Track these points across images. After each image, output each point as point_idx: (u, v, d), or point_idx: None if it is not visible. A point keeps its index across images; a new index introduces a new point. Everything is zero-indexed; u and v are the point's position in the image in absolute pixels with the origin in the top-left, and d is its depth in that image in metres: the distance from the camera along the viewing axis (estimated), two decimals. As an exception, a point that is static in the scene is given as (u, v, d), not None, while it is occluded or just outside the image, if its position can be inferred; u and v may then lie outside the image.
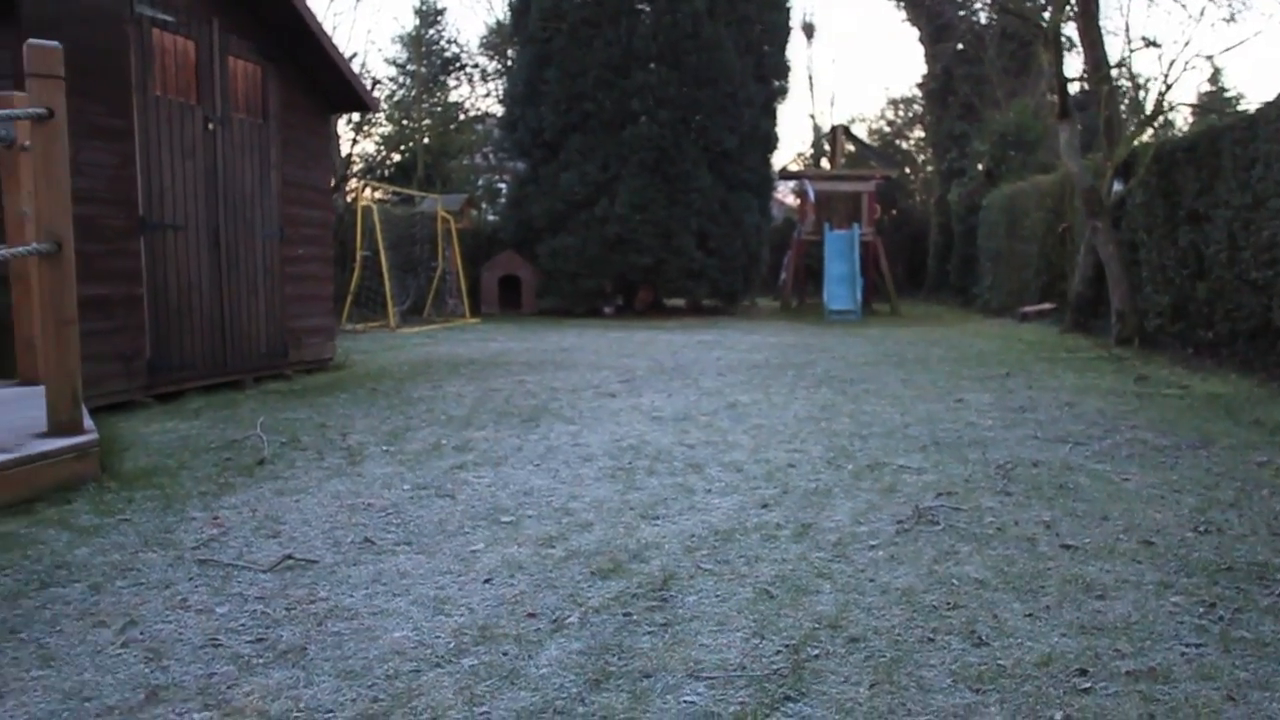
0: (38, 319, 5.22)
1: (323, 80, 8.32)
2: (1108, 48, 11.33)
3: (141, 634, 2.52)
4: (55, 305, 3.94)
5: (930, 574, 3.00)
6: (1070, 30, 13.91)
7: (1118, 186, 10.70)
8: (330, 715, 2.08)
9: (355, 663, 2.34)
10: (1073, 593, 2.83)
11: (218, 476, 4.28)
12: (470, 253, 17.58)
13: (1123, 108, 12.51)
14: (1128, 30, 31.74)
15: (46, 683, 2.24)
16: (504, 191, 22.37)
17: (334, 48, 8.15)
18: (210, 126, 7.02)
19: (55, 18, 5.53)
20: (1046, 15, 13.76)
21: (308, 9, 7.76)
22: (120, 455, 4.58)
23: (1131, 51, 23.55)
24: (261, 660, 2.36)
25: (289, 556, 3.12)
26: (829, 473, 4.39)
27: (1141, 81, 19.50)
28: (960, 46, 22.43)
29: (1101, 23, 11.00)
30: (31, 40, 3.78)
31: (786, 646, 2.43)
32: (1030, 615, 2.65)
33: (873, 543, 3.33)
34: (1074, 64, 18.79)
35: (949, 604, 2.74)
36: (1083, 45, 11.42)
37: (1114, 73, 11.73)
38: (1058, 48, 11.49)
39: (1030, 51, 20.58)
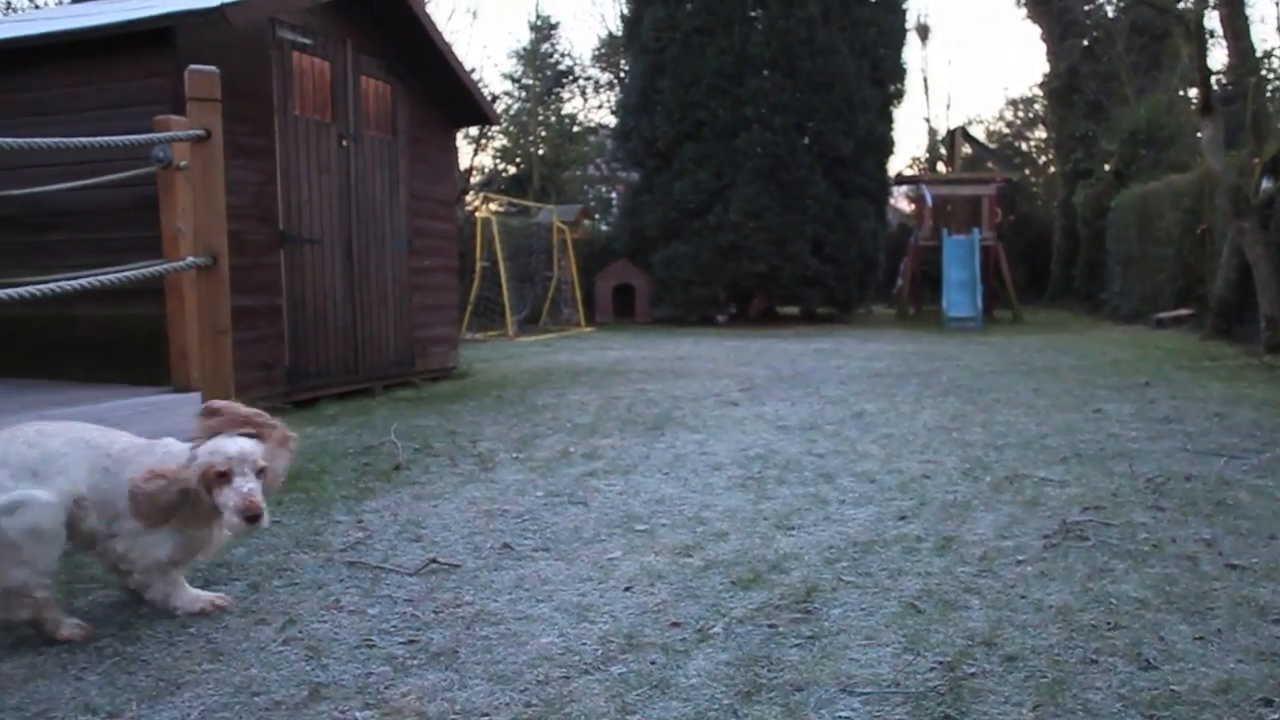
0: (190, 329, 5.50)
1: (447, 96, 8.54)
2: (1254, 38, 10.73)
3: (300, 632, 2.61)
4: (211, 316, 4.14)
5: (1085, 592, 2.87)
6: (1212, 21, 13.21)
7: (1267, 184, 10.11)
8: (486, 718, 2.11)
9: (506, 667, 2.37)
10: (1245, 616, 2.66)
11: (358, 481, 4.42)
12: (585, 262, 17.81)
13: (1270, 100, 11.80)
14: (1279, 18, 29.69)
15: (217, 676, 2.34)
16: (615, 201, 22.60)
17: (459, 64, 8.36)
18: (344, 143, 7.29)
19: (206, 45, 5.83)
20: (1182, 6, 13.14)
21: (435, 28, 8.00)
22: (266, 459, 4.77)
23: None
24: (415, 662, 2.41)
25: (433, 560, 3.19)
26: (966, 484, 4.26)
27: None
28: (1086, 42, 21.58)
29: (1247, 10, 10.41)
30: (193, 66, 3.99)
31: (940, 663, 2.36)
32: (1200, 639, 2.50)
33: (1019, 557, 3.21)
34: (1216, 56, 17.80)
35: (1109, 624, 2.61)
36: (1226, 36, 10.84)
37: (1262, 64, 11.09)
38: (1200, 39, 10.93)
39: (1162, 45, 19.68)
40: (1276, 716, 2.07)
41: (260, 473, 2.58)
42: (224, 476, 2.53)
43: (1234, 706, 2.12)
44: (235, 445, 2.58)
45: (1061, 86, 22.10)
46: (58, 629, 2.54)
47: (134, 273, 4.18)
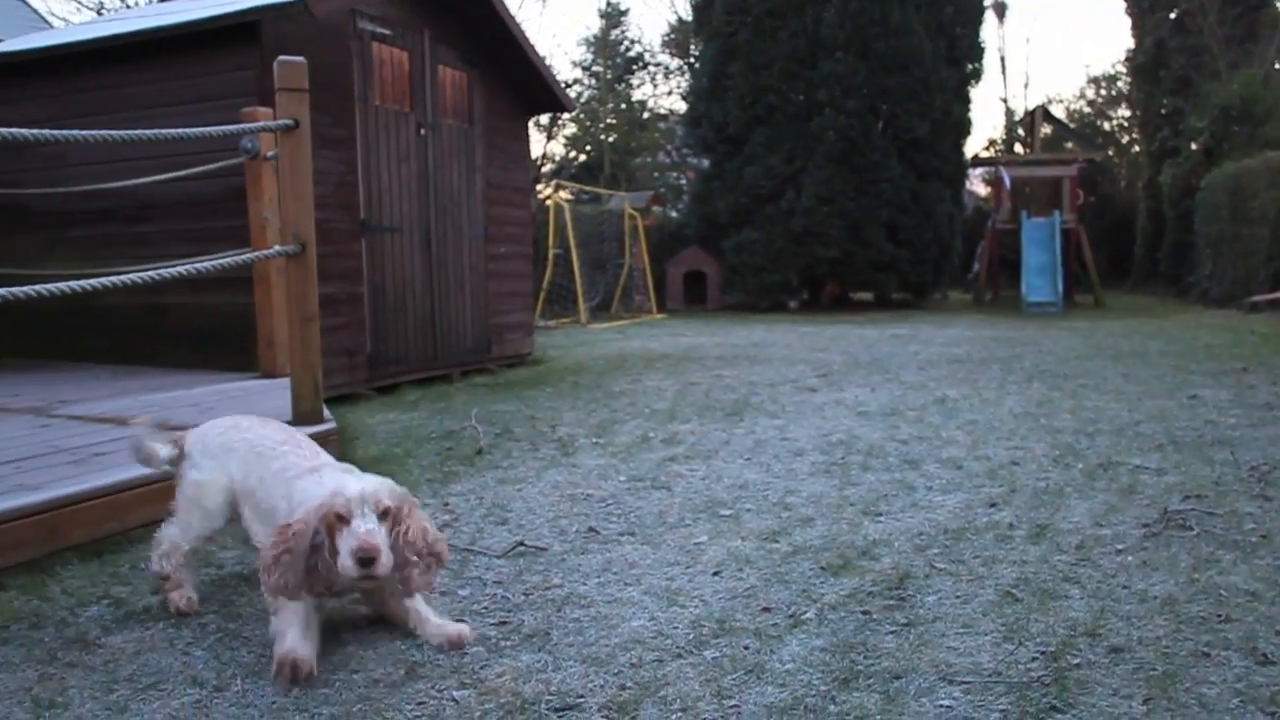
0: (278, 317, 5.63)
1: (522, 83, 8.58)
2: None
3: (394, 612, 2.64)
4: (299, 302, 4.22)
5: (1191, 583, 2.77)
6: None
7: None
8: (581, 700, 2.12)
9: (598, 649, 2.37)
10: (1366, 609, 2.54)
11: (441, 465, 4.48)
12: (655, 249, 17.79)
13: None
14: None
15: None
16: (686, 188, 22.51)
17: (534, 52, 8.39)
18: (422, 132, 7.37)
19: (290, 38, 5.94)
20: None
21: (510, 17, 8.03)
22: (351, 444, 4.86)
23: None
24: (508, 643, 2.43)
25: (520, 543, 3.21)
26: (1057, 471, 4.14)
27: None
28: (1174, 15, 20.78)
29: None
30: (281, 57, 4.06)
31: (1043, 653, 2.29)
32: (1320, 633, 2.39)
33: (1119, 546, 3.11)
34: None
35: (1219, 616, 2.51)
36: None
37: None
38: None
39: (1258, 16, 18.86)
40: None
41: (385, 514, 2.31)
42: (343, 519, 2.27)
43: (1361, 703, 2.03)
44: (358, 484, 2.33)
45: (1147, 62, 21.34)
46: (174, 590, 2.64)
47: (226, 261, 4.28)
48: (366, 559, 2.21)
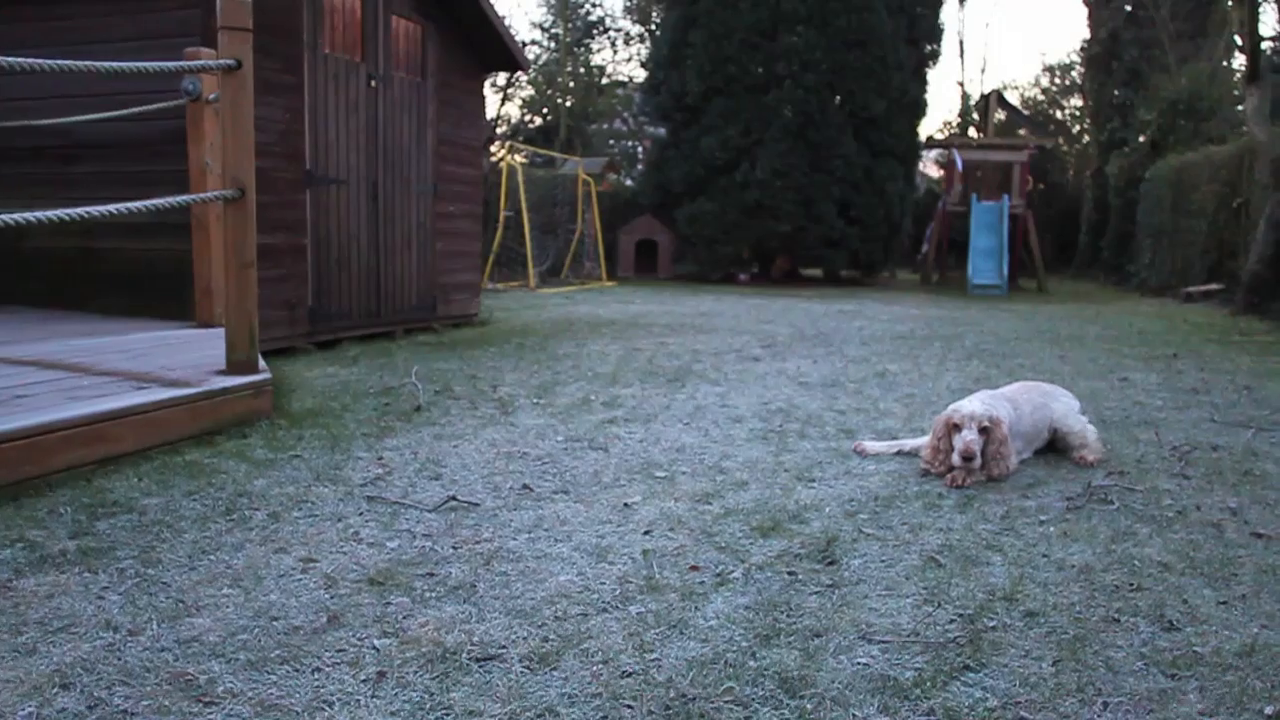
0: (216, 265, 5.50)
1: (477, 39, 8.44)
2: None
3: (319, 562, 2.62)
4: (237, 249, 4.13)
5: (1108, 553, 2.85)
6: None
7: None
8: (503, 650, 2.12)
9: (524, 602, 2.37)
10: (1271, 583, 2.63)
11: (378, 420, 4.43)
12: (608, 216, 17.70)
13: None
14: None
15: (237, 600, 2.36)
16: (641, 156, 22.39)
17: (491, 7, 8.25)
18: (372, 84, 7.23)
19: (236, -24, 5.75)
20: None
21: (466, -32, 7.88)
22: (288, 396, 4.79)
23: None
24: (433, 594, 2.42)
25: (452, 498, 3.19)
26: (989, 446, 4.22)
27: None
28: (1129, 7, 21.06)
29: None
30: (223, -6, 3.94)
31: (960, 616, 2.34)
32: (1224, 603, 2.48)
33: (1042, 518, 3.19)
34: (1267, 22, 17.33)
35: (1131, 585, 2.59)
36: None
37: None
38: (1253, 2, 10.63)
39: (1208, 12, 19.19)
40: (1302, 681, 2.05)
41: (984, 431, 3.57)
42: (957, 427, 3.59)
43: (1257, 670, 2.10)
44: (967, 406, 3.70)
45: (1101, 52, 21.62)
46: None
47: (161, 203, 4.16)
48: (967, 456, 3.54)
